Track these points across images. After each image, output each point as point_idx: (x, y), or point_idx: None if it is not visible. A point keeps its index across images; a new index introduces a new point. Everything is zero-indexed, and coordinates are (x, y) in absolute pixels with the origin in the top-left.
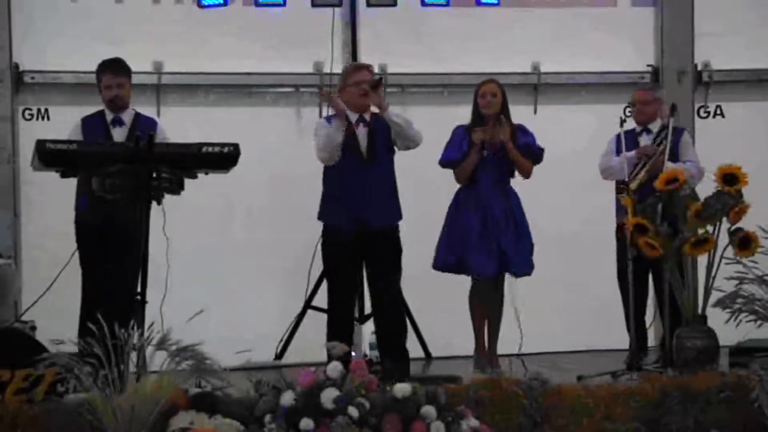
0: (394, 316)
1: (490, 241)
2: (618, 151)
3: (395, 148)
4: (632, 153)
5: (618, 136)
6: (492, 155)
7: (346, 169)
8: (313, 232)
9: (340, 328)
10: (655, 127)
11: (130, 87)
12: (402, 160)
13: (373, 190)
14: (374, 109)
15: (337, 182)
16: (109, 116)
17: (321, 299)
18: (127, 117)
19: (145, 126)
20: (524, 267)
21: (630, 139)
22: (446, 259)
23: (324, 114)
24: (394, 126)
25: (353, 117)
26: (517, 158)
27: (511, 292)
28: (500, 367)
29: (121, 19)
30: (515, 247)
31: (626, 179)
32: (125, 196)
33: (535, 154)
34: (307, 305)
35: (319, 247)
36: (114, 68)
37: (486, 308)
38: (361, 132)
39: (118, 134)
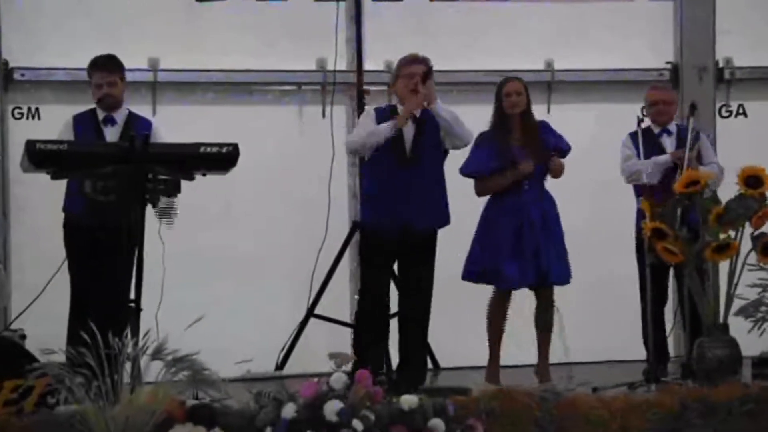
0: (422, 326)
1: (525, 250)
2: (639, 154)
3: (445, 147)
4: (666, 157)
5: (633, 138)
6: (524, 152)
7: (388, 167)
8: (316, 235)
9: (375, 335)
10: (672, 128)
11: (124, 85)
12: None
13: (415, 190)
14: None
15: (378, 181)
16: (101, 115)
17: (324, 306)
18: (119, 116)
19: (138, 126)
20: (563, 276)
21: (649, 141)
22: (479, 269)
23: (329, 112)
24: (440, 121)
25: (401, 111)
26: (553, 172)
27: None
28: (551, 380)
29: (115, 13)
30: (553, 254)
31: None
32: (119, 198)
33: (564, 153)
34: (310, 313)
35: (322, 251)
36: (105, 66)
37: (540, 320)
38: (408, 128)
39: (111, 134)
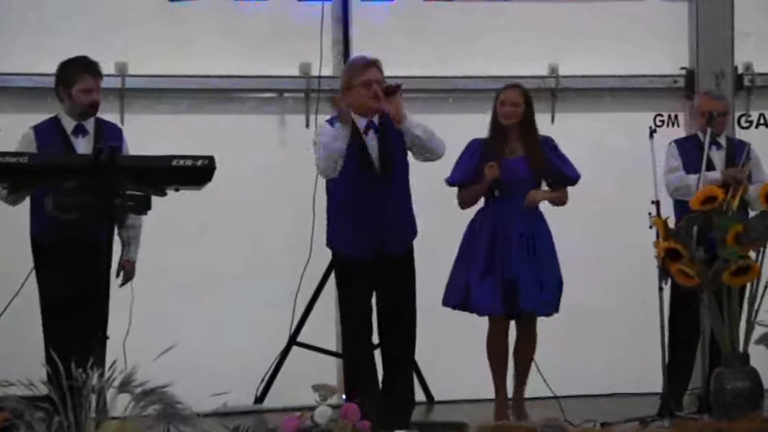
0: (408, 355)
1: (496, 271)
2: (686, 164)
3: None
4: (716, 174)
5: (681, 146)
6: (521, 165)
7: (356, 183)
8: (299, 255)
9: (364, 367)
10: (723, 140)
11: None
12: None
13: (389, 207)
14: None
15: (346, 199)
16: (70, 125)
17: (308, 333)
18: (89, 125)
19: (111, 134)
20: (541, 305)
21: (694, 152)
22: (455, 295)
23: (313, 122)
24: (415, 139)
25: (361, 123)
26: (551, 200)
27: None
28: (528, 418)
29: (78, 13)
30: (530, 278)
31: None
32: (83, 216)
33: (573, 181)
34: (293, 340)
35: (306, 274)
36: (92, 69)
37: (516, 353)
38: (372, 140)
39: (82, 145)
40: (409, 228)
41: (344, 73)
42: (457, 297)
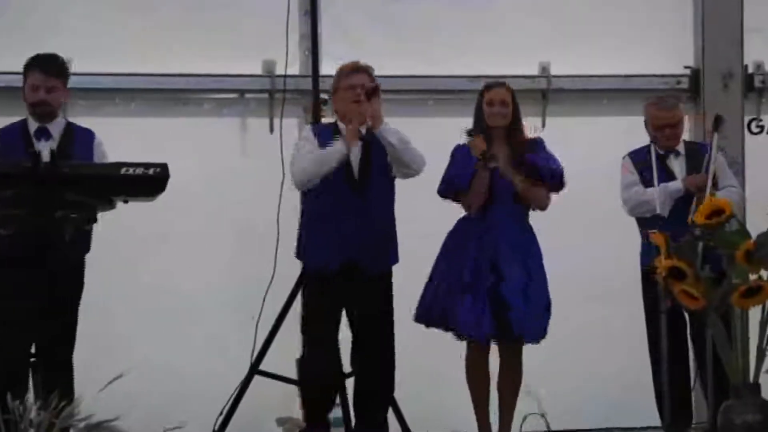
0: (384, 381)
1: (482, 290)
2: (644, 179)
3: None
4: (677, 185)
5: (635, 158)
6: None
7: (332, 195)
8: (263, 274)
9: (325, 394)
10: (680, 147)
11: (65, 95)
12: None
13: (365, 221)
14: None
15: (320, 208)
16: (33, 127)
17: (272, 361)
18: (55, 128)
19: (81, 140)
20: (531, 330)
21: (651, 163)
22: (430, 310)
23: (278, 126)
24: (389, 147)
25: (345, 129)
26: (524, 192)
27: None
28: None
29: (16, 4)
30: (520, 301)
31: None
32: (20, 231)
33: (550, 178)
34: (255, 369)
35: (269, 294)
36: (45, 66)
37: (501, 383)
38: (354, 148)
39: (45, 150)
40: (385, 248)
41: (334, 77)
42: (436, 313)
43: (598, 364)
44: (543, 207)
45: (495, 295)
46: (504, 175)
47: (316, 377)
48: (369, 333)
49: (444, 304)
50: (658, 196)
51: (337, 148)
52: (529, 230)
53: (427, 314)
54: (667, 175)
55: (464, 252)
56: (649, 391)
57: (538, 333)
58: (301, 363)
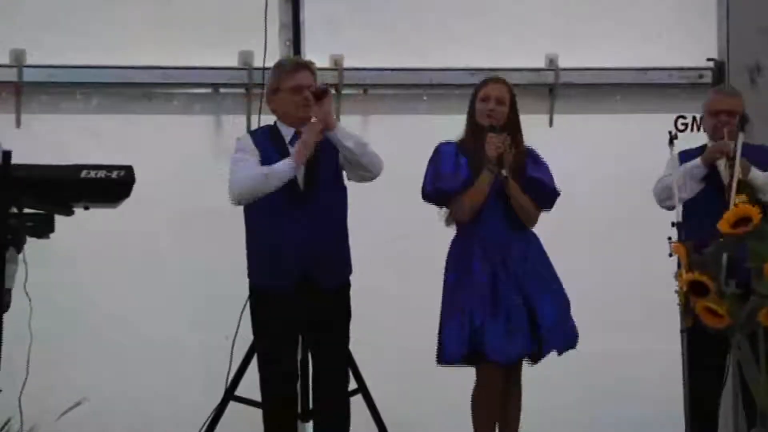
0: (339, 409)
1: (503, 307)
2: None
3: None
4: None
5: (683, 156)
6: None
7: (277, 202)
8: (239, 288)
9: (279, 427)
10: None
11: None
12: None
13: (314, 231)
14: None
15: (264, 220)
16: None
17: (248, 386)
18: None
19: None
20: (566, 338)
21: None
22: (459, 345)
23: (256, 124)
24: (345, 152)
25: (287, 132)
26: (518, 202)
27: None
28: None
29: None
30: (549, 310)
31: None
32: None
33: (544, 196)
34: (229, 394)
35: (246, 312)
36: None
37: (503, 409)
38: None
39: None
40: (339, 259)
41: (271, 75)
42: (463, 347)
43: (611, 390)
44: (532, 224)
45: (531, 311)
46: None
47: (271, 403)
48: (323, 349)
49: (473, 333)
50: (676, 178)
51: (284, 167)
52: (533, 237)
53: (457, 351)
54: (712, 177)
55: (476, 272)
56: (669, 419)
57: (573, 339)
58: (263, 391)
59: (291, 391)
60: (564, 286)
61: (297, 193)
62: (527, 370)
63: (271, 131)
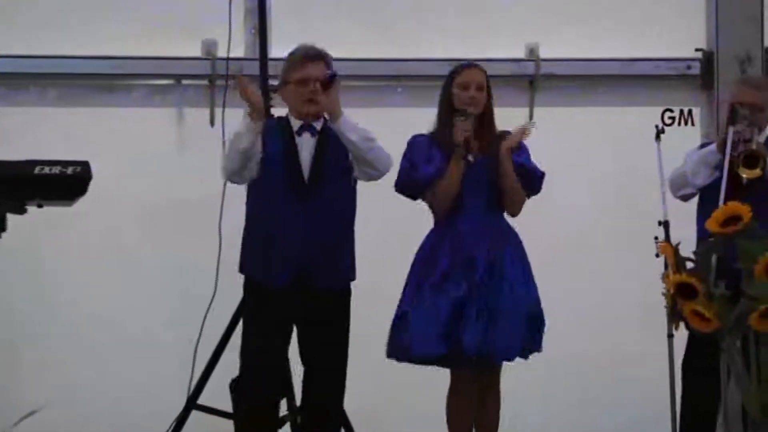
0: (332, 411)
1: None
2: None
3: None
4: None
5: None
6: (480, 168)
7: (278, 198)
8: (203, 289)
9: (261, 425)
10: (763, 138)
11: None
12: None
13: (317, 227)
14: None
15: (264, 212)
16: None
17: (212, 393)
18: None
19: None
20: (508, 348)
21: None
22: (424, 343)
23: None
24: (347, 143)
25: (295, 124)
26: (511, 180)
27: None
28: None
29: None
30: (503, 316)
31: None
32: None
33: (531, 180)
34: (192, 403)
35: (211, 313)
36: None
37: (479, 416)
38: (306, 145)
39: None
40: (339, 261)
41: (283, 65)
42: (440, 349)
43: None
44: (517, 211)
45: (483, 313)
46: (503, 161)
47: (250, 404)
48: (319, 352)
49: (435, 330)
50: (691, 166)
51: (242, 126)
52: (511, 232)
53: (399, 347)
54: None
55: (440, 269)
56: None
57: (535, 346)
58: (235, 387)
59: (274, 390)
60: (548, 289)
61: (300, 185)
62: (517, 374)
63: (280, 121)
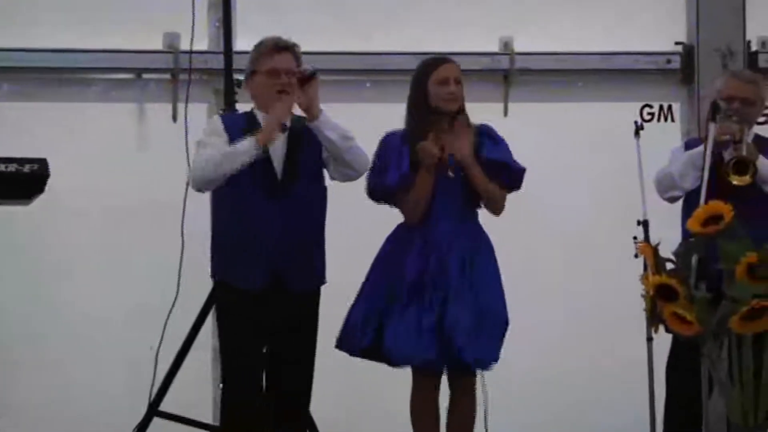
0: (300, 407)
1: (424, 309)
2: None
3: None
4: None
5: (688, 144)
6: (455, 171)
7: (250, 198)
8: (164, 293)
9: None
10: (749, 139)
11: None
12: None
13: (290, 227)
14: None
15: (236, 213)
16: None
17: (175, 400)
18: None
19: None
20: (480, 355)
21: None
22: (360, 336)
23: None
24: (324, 142)
25: (264, 119)
26: (483, 184)
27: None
28: None
29: None
30: (469, 322)
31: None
32: None
33: (510, 176)
34: (153, 409)
35: (172, 318)
36: None
37: (451, 423)
38: (277, 142)
39: None
40: (314, 262)
41: (250, 56)
42: (368, 341)
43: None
44: (499, 211)
45: (448, 318)
46: (467, 169)
47: (240, 419)
48: (289, 351)
49: (378, 328)
50: (678, 167)
51: (245, 147)
52: (483, 236)
53: (353, 342)
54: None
55: (404, 266)
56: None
57: (484, 360)
58: (223, 398)
59: (258, 394)
60: (524, 291)
61: (274, 184)
62: (501, 385)
63: (247, 117)
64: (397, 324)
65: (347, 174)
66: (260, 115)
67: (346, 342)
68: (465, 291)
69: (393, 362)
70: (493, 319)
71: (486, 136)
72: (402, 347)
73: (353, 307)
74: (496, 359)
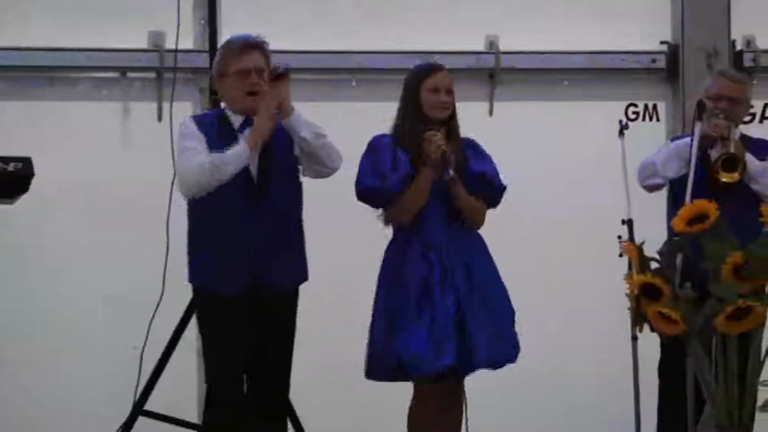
0: (280, 405)
1: (435, 317)
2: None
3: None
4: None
5: (674, 140)
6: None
7: (228, 199)
8: (149, 294)
9: None
10: (735, 136)
11: None
12: None
13: (269, 231)
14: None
15: (213, 219)
16: None
17: (160, 399)
18: None
19: None
20: (501, 352)
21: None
22: (390, 360)
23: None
24: (298, 140)
25: (236, 120)
26: (467, 202)
27: None
28: None
29: None
30: (484, 324)
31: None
32: None
33: (490, 191)
34: (138, 410)
35: (157, 319)
36: None
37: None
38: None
39: None
40: (294, 263)
41: (218, 55)
42: (395, 363)
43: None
44: (479, 225)
45: (455, 321)
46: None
47: (223, 420)
48: (266, 363)
49: (398, 348)
50: (662, 158)
51: (236, 157)
52: (477, 237)
53: (387, 367)
54: (704, 162)
55: (412, 279)
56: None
57: (511, 353)
58: (206, 409)
59: (243, 397)
60: (510, 291)
61: (250, 186)
62: (493, 387)
63: (219, 118)
64: (412, 337)
65: (320, 171)
66: (232, 116)
67: (376, 370)
68: (475, 296)
69: (414, 376)
70: (504, 318)
71: (472, 149)
72: (421, 359)
73: (372, 333)
74: (516, 355)
